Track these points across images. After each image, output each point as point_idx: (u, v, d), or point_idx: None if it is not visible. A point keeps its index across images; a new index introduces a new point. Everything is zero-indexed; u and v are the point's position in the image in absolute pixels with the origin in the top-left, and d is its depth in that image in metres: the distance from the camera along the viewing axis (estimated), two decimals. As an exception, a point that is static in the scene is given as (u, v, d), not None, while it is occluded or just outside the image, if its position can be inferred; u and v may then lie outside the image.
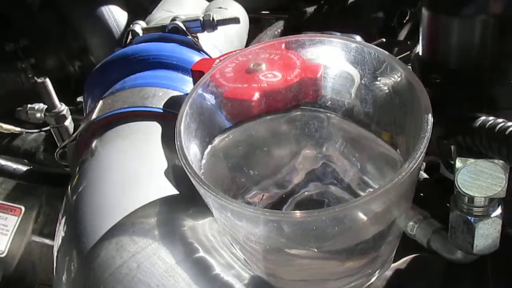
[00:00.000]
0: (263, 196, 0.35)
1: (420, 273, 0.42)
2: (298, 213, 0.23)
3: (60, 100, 0.64)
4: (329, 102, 0.37)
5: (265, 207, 0.34)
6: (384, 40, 0.56)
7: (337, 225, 0.24)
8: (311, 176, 0.36)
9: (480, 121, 0.27)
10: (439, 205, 0.39)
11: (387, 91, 0.34)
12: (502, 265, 0.38)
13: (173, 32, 0.52)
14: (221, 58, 0.36)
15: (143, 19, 0.59)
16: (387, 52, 0.31)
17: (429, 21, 0.33)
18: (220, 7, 0.67)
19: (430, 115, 0.26)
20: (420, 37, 0.35)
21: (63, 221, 0.35)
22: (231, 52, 0.36)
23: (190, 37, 0.52)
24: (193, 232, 0.31)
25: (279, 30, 0.72)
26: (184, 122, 0.30)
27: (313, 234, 0.25)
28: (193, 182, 0.26)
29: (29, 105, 0.76)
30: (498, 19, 0.29)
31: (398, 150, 0.33)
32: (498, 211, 0.29)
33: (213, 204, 0.27)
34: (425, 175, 0.45)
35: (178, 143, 0.28)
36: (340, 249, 0.28)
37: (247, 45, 0.65)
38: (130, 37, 0.55)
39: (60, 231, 0.35)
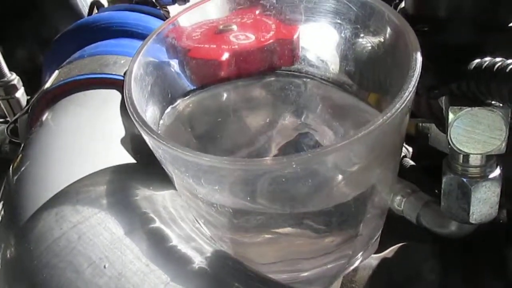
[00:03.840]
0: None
1: (408, 262, 0.39)
2: (264, 160, 0.19)
3: (30, 94, 0.59)
4: (307, 66, 0.34)
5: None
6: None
7: (310, 177, 0.20)
8: (288, 147, 0.33)
9: (476, 63, 0.23)
10: (428, 192, 0.35)
11: (370, 47, 0.30)
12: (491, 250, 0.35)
13: (141, 4, 0.49)
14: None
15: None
16: (368, -5, 0.27)
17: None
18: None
19: (418, 53, 0.22)
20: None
21: (0, 206, 0.30)
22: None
23: (160, 9, 0.48)
24: (149, 202, 0.27)
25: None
26: (137, 71, 0.26)
27: (284, 189, 0.21)
28: (141, 131, 0.22)
29: (-9, 95, 0.71)
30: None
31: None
32: (497, 171, 0.26)
33: (166, 160, 0.23)
34: (412, 162, 0.42)
35: (127, 90, 0.24)
36: (317, 216, 0.24)
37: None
38: (95, 10, 0.51)
39: None
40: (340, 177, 0.22)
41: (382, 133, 0.21)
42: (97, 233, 0.24)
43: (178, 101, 0.31)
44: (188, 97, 0.32)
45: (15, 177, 0.31)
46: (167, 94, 0.30)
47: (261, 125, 0.34)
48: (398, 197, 0.33)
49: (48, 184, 0.29)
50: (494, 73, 0.22)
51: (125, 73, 0.38)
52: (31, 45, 0.82)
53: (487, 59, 0.23)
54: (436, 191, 0.37)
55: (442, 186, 0.27)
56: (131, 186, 0.28)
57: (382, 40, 0.28)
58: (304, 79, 0.34)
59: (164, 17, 0.48)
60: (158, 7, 0.48)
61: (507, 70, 0.21)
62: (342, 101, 0.33)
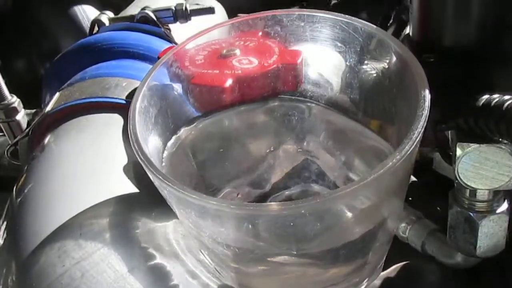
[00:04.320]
0: (237, 196, 0.31)
1: (411, 282, 0.38)
2: (272, 206, 0.19)
3: (30, 107, 0.58)
4: (311, 91, 0.33)
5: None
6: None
7: (319, 221, 0.20)
8: (291, 174, 0.32)
9: (484, 99, 0.23)
10: (430, 209, 0.35)
11: (375, 74, 0.30)
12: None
13: (142, 22, 0.48)
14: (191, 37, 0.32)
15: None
16: (375, 26, 0.27)
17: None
18: (197, 4, 0.64)
19: (427, 91, 0.22)
20: (410, 16, 0.32)
21: (2, 227, 0.30)
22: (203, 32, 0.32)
23: (161, 28, 0.48)
24: (152, 235, 0.27)
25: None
26: (141, 104, 0.25)
27: (291, 232, 0.20)
28: (146, 170, 0.22)
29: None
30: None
31: (388, 142, 0.29)
32: (504, 206, 0.25)
33: (171, 199, 0.22)
34: (413, 178, 0.41)
35: (131, 126, 0.24)
36: (324, 252, 0.24)
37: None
38: (96, 28, 0.51)
39: None
40: (349, 216, 0.22)
41: (393, 174, 0.20)
42: (100, 270, 0.24)
43: (182, 129, 0.30)
44: (191, 124, 0.31)
45: (18, 199, 0.31)
46: (171, 123, 0.29)
47: (264, 151, 0.33)
48: (403, 225, 0.33)
49: (48, 212, 0.28)
50: (504, 112, 0.22)
51: (127, 96, 0.38)
52: (30, 56, 0.82)
53: (496, 96, 0.23)
54: (438, 208, 0.37)
55: (449, 219, 0.27)
56: (134, 219, 0.27)
57: (387, 68, 0.28)
58: (308, 104, 0.34)
59: (165, 36, 0.47)
60: (159, 26, 0.48)
61: (517, 109, 0.21)
62: (345, 126, 0.33)
